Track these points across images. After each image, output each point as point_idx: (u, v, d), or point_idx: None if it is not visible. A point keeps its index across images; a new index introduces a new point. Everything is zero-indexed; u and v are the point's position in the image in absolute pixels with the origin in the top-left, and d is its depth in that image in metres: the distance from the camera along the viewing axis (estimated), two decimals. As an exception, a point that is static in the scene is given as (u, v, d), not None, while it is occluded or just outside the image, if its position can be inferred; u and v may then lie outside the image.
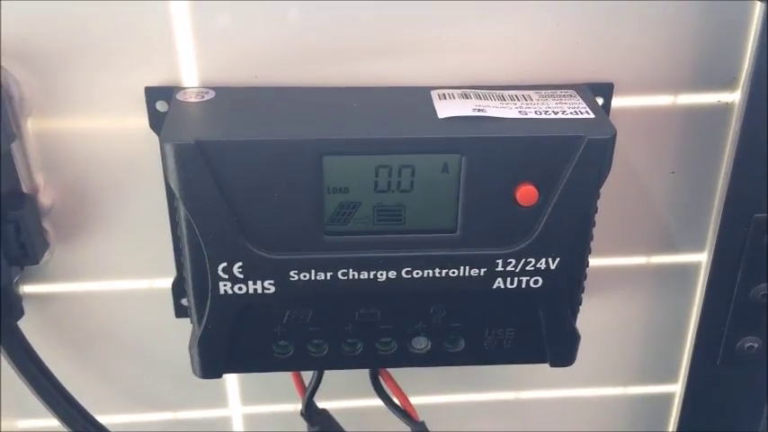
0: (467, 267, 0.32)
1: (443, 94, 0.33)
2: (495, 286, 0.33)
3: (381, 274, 0.32)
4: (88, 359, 0.41)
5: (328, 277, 0.32)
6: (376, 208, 0.31)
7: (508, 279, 0.32)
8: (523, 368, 0.44)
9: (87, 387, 0.39)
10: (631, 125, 0.36)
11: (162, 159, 0.29)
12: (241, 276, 0.31)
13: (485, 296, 0.33)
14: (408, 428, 0.39)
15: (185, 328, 0.35)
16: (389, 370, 0.38)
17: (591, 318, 0.41)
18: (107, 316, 0.40)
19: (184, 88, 0.33)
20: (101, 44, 0.32)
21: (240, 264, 0.31)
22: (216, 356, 0.33)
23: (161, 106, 0.33)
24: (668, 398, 0.45)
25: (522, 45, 0.34)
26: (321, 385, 0.38)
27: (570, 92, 0.33)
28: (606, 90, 0.35)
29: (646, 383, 0.45)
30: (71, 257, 0.38)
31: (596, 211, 0.32)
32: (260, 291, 0.32)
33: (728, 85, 0.35)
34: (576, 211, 0.31)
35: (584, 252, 0.33)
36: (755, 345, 0.38)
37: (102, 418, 0.39)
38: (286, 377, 0.38)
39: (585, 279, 0.34)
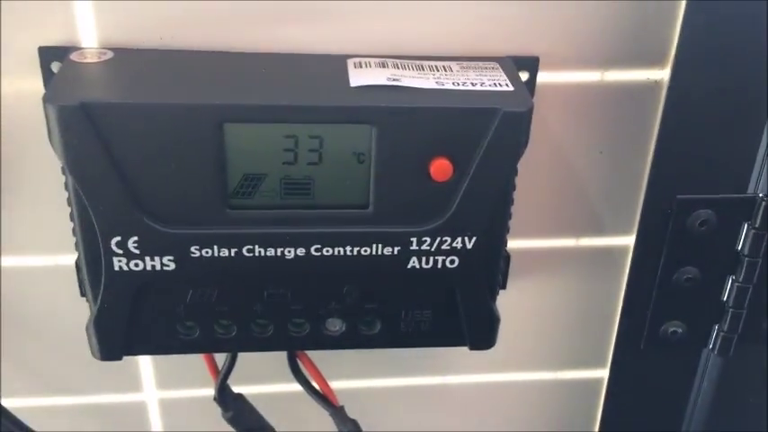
0: (379, 245, 0.31)
1: (359, 63, 0.31)
2: (409, 266, 0.31)
3: (289, 252, 0.30)
4: (-13, 340, 0.39)
5: (233, 254, 0.30)
6: (283, 181, 0.30)
7: (423, 258, 0.31)
8: (452, 352, 0.43)
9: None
10: (558, 101, 0.35)
11: (46, 123, 0.27)
12: (137, 252, 0.29)
13: (399, 276, 0.32)
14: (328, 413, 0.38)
15: (91, 307, 0.33)
16: (308, 352, 0.37)
17: (519, 301, 0.41)
18: (10, 294, 0.37)
19: (81, 48, 0.31)
20: (-12, -1, 0.30)
21: (136, 238, 0.29)
22: (114, 337, 0.31)
23: (56, 68, 0.31)
24: (598, 383, 0.45)
25: (447, 16, 0.32)
26: (237, 369, 0.36)
27: (493, 64, 0.32)
28: (531, 64, 0.33)
29: (575, 368, 0.44)
30: (-35, 231, 0.35)
31: (514, 189, 0.31)
32: (158, 267, 0.30)
33: (658, 62, 0.35)
34: (493, 187, 0.30)
35: (502, 231, 0.32)
36: (679, 330, 0.38)
37: (6, 402, 0.36)
38: (202, 361, 0.36)
39: (507, 259, 0.33)
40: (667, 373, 0.40)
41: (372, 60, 0.31)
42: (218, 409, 0.38)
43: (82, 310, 0.37)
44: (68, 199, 0.29)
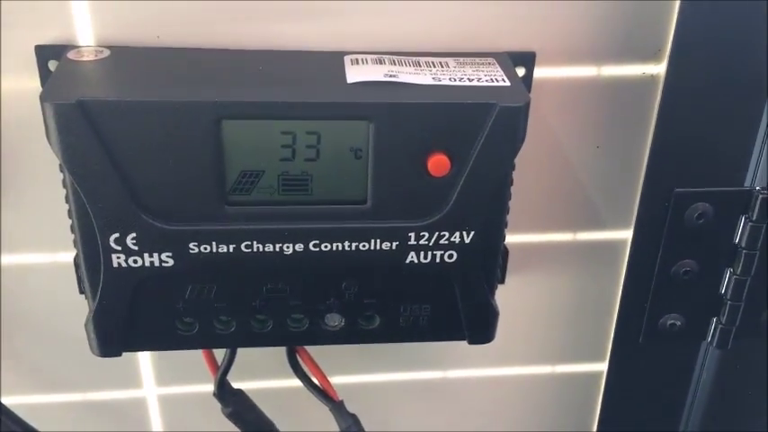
0: (378, 241, 0.31)
1: (356, 59, 0.31)
2: (408, 261, 0.31)
3: (288, 247, 0.30)
4: (-14, 338, 0.39)
5: (231, 250, 0.30)
6: (281, 177, 0.30)
7: (421, 253, 0.31)
8: (449, 347, 0.43)
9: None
10: (555, 96, 0.35)
11: (44, 121, 0.27)
12: (135, 248, 0.29)
13: (398, 271, 0.32)
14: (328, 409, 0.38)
15: (91, 304, 0.33)
16: (307, 348, 0.37)
17: (517, 296, 0.41)
18: (9, 291, 0.37)
19: (78, 47, 0.31)
20: (-16, -3, 0.30)
21: (134, 235, 0.29)
22: (113, 333, 0.31)
23: (53, 66, 0.31)
24: (596, 376, 0.45)
25: (443, 12, 0.32)
26: (236, 364, 0.36)
27: (489, 60, 0.32)
28: (528, 59, 0.34)
29: (574, 362, 0.44)
30: (-36, 229, 0.35)
31: (512, 183, 0.31)
32: (157, 264, 0.30)
33: (654, 56, 0.35)
34: (491, 181, 0.30)
35: (500, 225, 0.32)
36: (678, 323, 0.38)
37: (5, 400, 0.37)
38: (202, 358, 0.36)
39: (505, 253, 0.33)
40: (666, 366, 0.40)
41: (369, 57, 0.31)
42: (218, 405, 0.38)
43: (81, 308, 0.37)
44: (66, 196, 0.29)
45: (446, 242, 0.31)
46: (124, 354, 0.33)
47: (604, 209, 0.39)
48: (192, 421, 0.43)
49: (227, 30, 0.32)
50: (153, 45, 0.32)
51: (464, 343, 0.35)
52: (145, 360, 0.41)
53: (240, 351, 0.36)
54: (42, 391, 0.41)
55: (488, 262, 0.32)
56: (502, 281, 0.36)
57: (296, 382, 0.38)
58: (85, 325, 0.32)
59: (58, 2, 0.30)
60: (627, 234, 0.39)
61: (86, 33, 0.31)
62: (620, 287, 0.41)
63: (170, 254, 0.30)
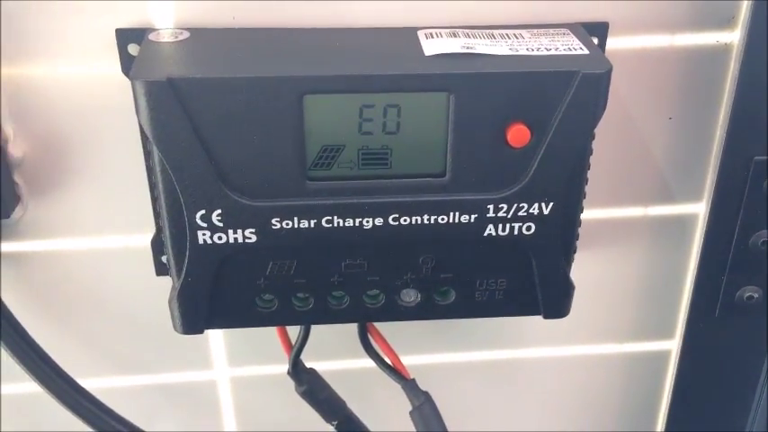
0: (456, 213, 0.31)
1: (431, 33, 0.31)
2: (486, 233, 0.31)
3: (367, 222, 0.31)
4: (65, 321, 0.40)
5: (312, 225, 0.30)
6: (361, 151, 0.30)
7: (500, 226, 0.31)
8: (516, 327, 0.43)
9: (64, 350, 0.38)
10: (627, 67, 0.34)
11: (134, 99, 0.28)
12: (221, 225, 0.30)
13: (475, 245, 0.32)
14: (398, 389, 0.38)
15: (166, 287, 0.34)
16: (378, 327, 0.37)
17: (585, 272, 0.40)
18: (84, 275, 0.38)
19: (157, 29, 0.31)
20: (68, -17, 0.31)
21: (219, 211, 0.30)
22: (197, 311, 0.32)
23: (133, 49, 0.32)
24: (665, 355, 0.44)
25: (514, -16, 0.32)
26: (308, 345, 0.37)
27: (564, 30, 0.32)
28: (601, 30, 0.33)
29: (642, 340, 0.44)
30: (45, 213, 0.36)
31: (591, 153, 0.31)
32: (240, 240, 0.30)
33: (727, 24, 0.34)
34: (571, 152, 0.30)
35: (579, 196, 0.31)
36: (755, 295, 0.37)
37: (81, 382, 0.37)
38: (273, 338, 0.37)
39: (580, 226, 0.33)
40: (741, 341, 0.40)
41: (443, 31, 0.31)
42: (288, 386, 0.39)
43: (153, 290, 0.38)
44: (152, 175, 0.30)
45: (524, 214, 0.31)
46: (195, 336, 0.33)
47: (675, 182, 0.38)
48: (263, 402, 0.44)
49: (301, 9, 0.32)
50: (229, 26, 0.32)
51: (532, 322, 0.35)
52: (216, 341, 0.42)
53: (311, 331, 0.36)
54: (115, 373, 0.42)
55: (566, 234, 0.32)
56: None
57: (365, 363, 0.38)
58: (169, 302, 0.32)
59: (136, -14, 0.31)
60: (698, 208, 0.39)
61: (163, 17, 0.32)
62: (691, 263, 0.40)
63: (253, 230, 0.30)
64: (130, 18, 0.32)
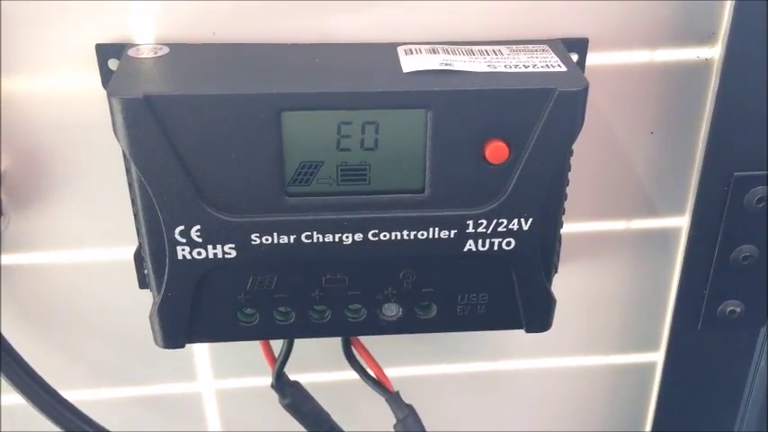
0: (436, 229, 0.31)
1: (410, 50, 0.31)
2: (466, 249, 0.31)
3: (347, 237, 0.31)
4: (49, 333, 0.40)
5: (292, 240, 0.30)
6: (339, 167, 0.30)
7: (479, 241, 0.31)
8: (500, 338, 0.43)
9: (48, 362, 0.38)
10: (608, 82, 0.35)
11: (111, 116, 0.28)
12: (200, 240, 0.30)
13: (456, 260, 0.32)
14: (383, 401, 0.38)
15: (150, 299, 0.34)
16: (362, 339, 0.37)
17: (570, 285, 0.40)
18: (68, 288, 0.38)
19: (137, 45, 0.31)
20: (48, -2, 0.31)
21: (198, 227, 0.30)
22: (177, 325, 0.32)
23: (113, 64, 0.32)
24: (650, 366, 0.44)
25: (493, 0, 0.32)
26: (292, 357, 0.37)
27: (543, 47, 0.32)
28: (581, 46, 0.33)
29: (627, 352, 0.44)
30: (27, 227, 0.36)
31: (569, 169, 0.31)
32: (220, 255, 0.30)
33: (708, 40, 0.34)
34: (549, 167, 0.30)
35: (558, 211, 0.32)
36: (738, 309, 0.37)
37: (64, 394, 0.37)
38: (259, 351, 0.37)
39: (560, 241, 0.33)
40: (725, 354, 0.40)
41: (423, 47, 0.32)
42: (273, 399, 0.39)
43: (137, 303, 0.38)
44: (131, 191, 0.30)
45: (504, 229, 0.31)
46: (180, 349, 0.33)
47: (658, 196, 0.38)
48: (247, 414, 0.44)
49: (280, 25, 0.32)
50: (209, 41, 0.32)
51: (517, 334, 0.35)
52: (201, 353, 0.42)
53: (295, 344, 0.36)
54: (99, 385, 0.42)
55: (546, 248, 0.32)
56: (555, 270, 0.36)
57: (349, 375, 0.38)
58: (150, 317, 0.32)
59: (116, 2, 0.31)
60: (680, 221, 0.39)
61: (144, 32, 0.32)
62: (674, 276, 0.40)
63: (233, 245, 0.30)
64: (111, 33, 0.32)
